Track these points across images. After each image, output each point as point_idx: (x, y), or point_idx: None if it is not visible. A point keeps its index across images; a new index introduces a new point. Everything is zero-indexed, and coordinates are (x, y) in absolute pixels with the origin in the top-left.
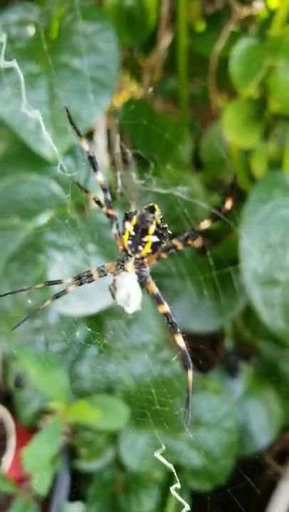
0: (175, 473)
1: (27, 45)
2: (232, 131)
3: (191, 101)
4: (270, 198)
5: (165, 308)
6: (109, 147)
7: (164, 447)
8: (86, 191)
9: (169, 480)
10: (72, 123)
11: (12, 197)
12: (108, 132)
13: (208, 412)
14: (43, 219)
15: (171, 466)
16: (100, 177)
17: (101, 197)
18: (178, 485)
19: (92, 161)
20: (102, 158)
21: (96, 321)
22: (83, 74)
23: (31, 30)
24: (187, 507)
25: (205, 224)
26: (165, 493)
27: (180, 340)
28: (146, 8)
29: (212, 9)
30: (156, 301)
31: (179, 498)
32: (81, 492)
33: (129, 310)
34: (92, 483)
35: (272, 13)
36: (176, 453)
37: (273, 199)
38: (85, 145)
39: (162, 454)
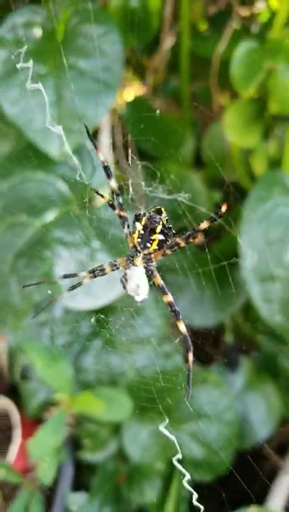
0: (178, 447)
1: (34, 47)
2: (233, 131)
3: (193, 101)
4: (269, 196)
5: (169, 298)
6: (114, 146)
7: (167, 421)
8: (102, 196)
9: (172, 471)
10: (89, 135)
11: (19, 195)
12: (112, 131)
13: (209, 404)
14: (50, 216)
15: (174, 438)
16: (113, 183)
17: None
18: (188, 476)
19: (106, 170)
20: (107, 156)
21: (100, 316)
22: (89, 75)
23: (38, 32)
24: (195, 495)
25: (204, 225)
26: (167, 484)
27: (182, 326)
28: (150, 10)
29: (215, 9)
30: (161, 291)
31: (190, 489)
32: (85, 483)
33: (138, 298)
34: (95, 474)
35: (272, 15)
36: (177, 445)
37: (273, 197)
38: (100, 156)
39: (164, 444)
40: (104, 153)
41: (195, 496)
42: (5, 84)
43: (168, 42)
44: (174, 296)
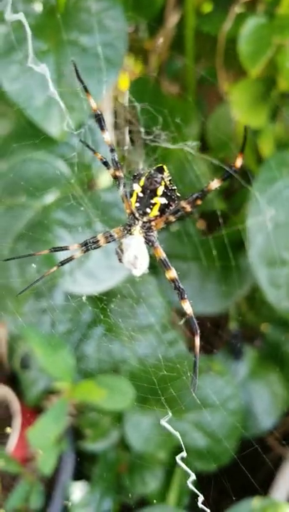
0: (181, 441)
1: (34, 22)
2: (240, 109)
3: (197, 82)
4: (277, 177)
5: (172, 273)
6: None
7: (170, 414)
8: (93, 151)
9: (173, 461)
10: (80, 79)
11: (18, 175)
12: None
13: (213, 393)
14: (50, 197)
15: (177, 434)
16: (107, 136)
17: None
18: (184, 454)
19: (99, 120)
20: (110, 136)
21: (102, 302)
22: (91, 51)
23: (38, 7)
24: (193, 476)
25: (215, 184)
26: (169, 474)
27: (187, 306)
28: None
29: None
30: (164, 266)
31: (185, 467)
32: (86, 472)
33: (136, 272)
34: (96, 463)
35: None
36: (180, 434)
37: (281, 179)
38: (92, 103)
39: (166, 434)
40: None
41: (201, 498)
42: (4, 60)
43: (172, 20)
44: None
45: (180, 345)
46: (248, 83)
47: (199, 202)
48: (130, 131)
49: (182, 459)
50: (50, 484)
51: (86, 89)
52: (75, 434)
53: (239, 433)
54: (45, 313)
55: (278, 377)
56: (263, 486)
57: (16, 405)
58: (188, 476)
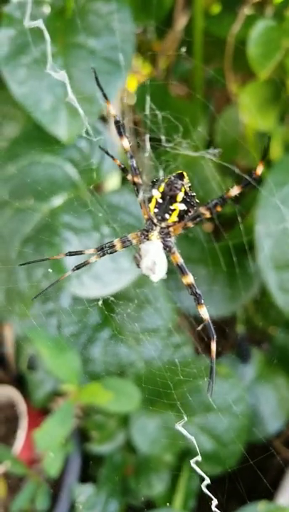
0: (196, 445)
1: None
2: (248, 112)
3: (205, 83)
4: (286, 181)
5: (189, 279)
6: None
7: (186, 419)
8: (112, 157)
9: (179, 464)
10: (100, 86)
11: (26, 178)
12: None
13: (220, 396)
14: (58, 201)
15: (192, 438)
16: (126, 143)
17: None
18: (199, 458)
19: (117, 126)
20: (117, 139)
21: (108, 305)
22: (99, 54)
23: (47, 10)
24: (207, 480)
25: (235, 190)
26: (175, 477)
27: (204, 312)
28: None
29: None
30: (181, 271)
31: (200, 472)
32: (92, 474)
33: (155, 278)
34: (103, 465)
35: None
36: (186, 437)
37: None
38: (111, 109)
39: (172, 437)
40: (114, 136)
41: (215, 502)
42: (12, 63)
43: (181, 21)
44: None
45: (187, 349)
46: (257, 86)
47: (219, 208)
48: (137, 134)
49: (196, 462)
50: (56, 486)
51: (106, 97)
52: (82, 436)
53: (246, 436)
54: (52, 316)
55: (286, 380)
56: (269, 490)
57: (22, 406)
58: (202, 479)
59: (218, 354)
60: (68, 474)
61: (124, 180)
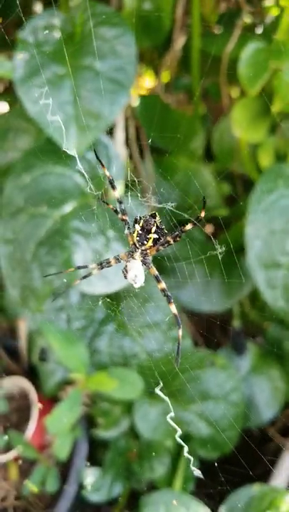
0: (181, 441)
1: (53, 49)
2: (240, 127)
3: (204, 96)
4: (274, 188)
5: (162, 285)
6: (128, 141)
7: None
8: (108, 204)
9: (180, 449)
10: (99, 160)
11: (40, 187)
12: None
13: (216, 386)
14: (68, 207)
15: (179, 430)
16: (116, 193)
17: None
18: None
19: (111, 182)
20: (121, 150)
21: (114, 301)
22: (104, 75)
23: (57, 35)
24: (186, 448)
25: (188, 226)
26: (175, 461)
27: (173, 308)
28: (162, 12)
29: (226, 6)
30: (156, 280)
31: (189, 457)
32: (98, 458)
33: (136, 285)
34: (108, 450)
35: (279, 16)
36: (186, 423)
37: (277, 189)
38: (106, 172)
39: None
40: (119, 147)
41: (198, 472)
42: (27, 84)
43: (180, 41)
44: (182, 283)
45: (185, 342)
46: (247, 101)
47: (179, 239)
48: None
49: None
50: (65, 469)
51: (102, 164)
52: (89, 422)
53: (241, 423)
54: (62, 311)
55: (279, 372)
56: (264, 474)
57: (34, 396)
58: (182, 447)
59: (217, 346)
60: (76, 458)
61: (127, 188)
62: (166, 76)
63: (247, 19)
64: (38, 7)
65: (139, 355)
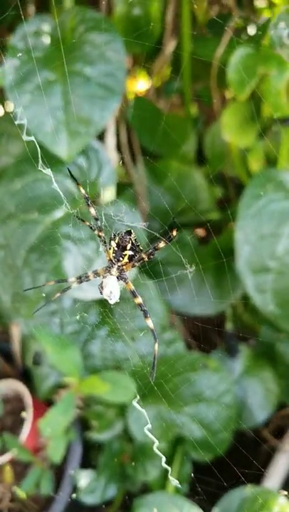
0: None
1: (43, 55)
2: (230, 131)
3: (195, 99)
4: (263, 193)
5: (139, 300)
6: (118, 146)
7: (150, 426)
8: (83, 221)
9: (172, 452)
10: (73, 178)
11: (31, 193)
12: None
13: (209, 388)
14: (59, 213)
15: (156, 442)
16: (92, 211)
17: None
18: (157, 443)
19: (87, 201)
20: (113, 155)
21: (106, 306)
22: (94, 81)
23: (47, 40)
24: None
25: (161, 244)
26: (168, 463)
27: (149, 322)
28: (152, 17)
29: (217, 10)
30: (132, 295)
31: (159, 454)
32: (92, 461)
33: (111, 301)
34: (102, 452)
35: (268, 21)
36: (178, 426)
37: (266, 194)
38: (82, 191)
39: (167, 427)
40: (110, 152)
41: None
42: (17, 90)
43: (170, 46)
44: (175, 287)
45: (178, 345)
46: (237, 106)
47: (152, 256)
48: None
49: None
50: (59, 472)
51: (77, 182)
52: (83, 425)
53: (233, 425)
54: (55, 315)
55: (271, 374)
56: (256, 475)
57: (28, 399)
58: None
59: (209, 349)
60: (70, 461)
61: (119, 192)
62: (157, 80)
63: (238, 23)
64: (31, 8)
65: (131, 358)
